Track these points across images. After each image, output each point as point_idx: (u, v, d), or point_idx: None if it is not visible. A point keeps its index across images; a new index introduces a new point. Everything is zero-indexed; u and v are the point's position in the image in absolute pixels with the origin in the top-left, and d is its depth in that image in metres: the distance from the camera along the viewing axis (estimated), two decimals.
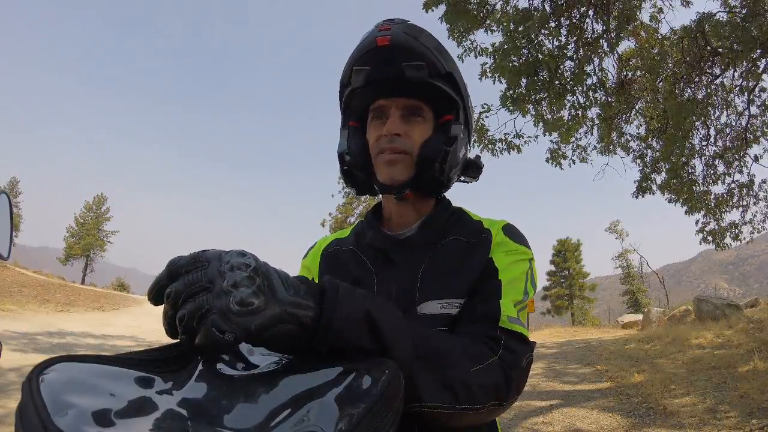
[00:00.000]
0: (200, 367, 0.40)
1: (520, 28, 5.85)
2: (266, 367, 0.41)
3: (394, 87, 0.71)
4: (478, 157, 0.81)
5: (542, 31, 6.05)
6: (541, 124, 6.87)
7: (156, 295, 0.39)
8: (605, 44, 6.42)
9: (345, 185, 0.79)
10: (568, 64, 6.42)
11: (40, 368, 0.31)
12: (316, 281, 0.51)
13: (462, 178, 0.79)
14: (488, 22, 6.50)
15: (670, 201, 7.92)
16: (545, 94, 6.37)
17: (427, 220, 0.75)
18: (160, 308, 0.40)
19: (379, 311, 0.45)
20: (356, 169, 0.76)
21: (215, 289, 0.36)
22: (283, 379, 0.38)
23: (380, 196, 0.79)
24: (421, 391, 0.47)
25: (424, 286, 0.68)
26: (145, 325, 10.87)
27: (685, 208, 7.83)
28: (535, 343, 0.64)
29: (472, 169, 0.80)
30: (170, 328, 0.38)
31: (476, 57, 6.64)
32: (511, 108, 6.39)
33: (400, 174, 0.71)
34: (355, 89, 0.73)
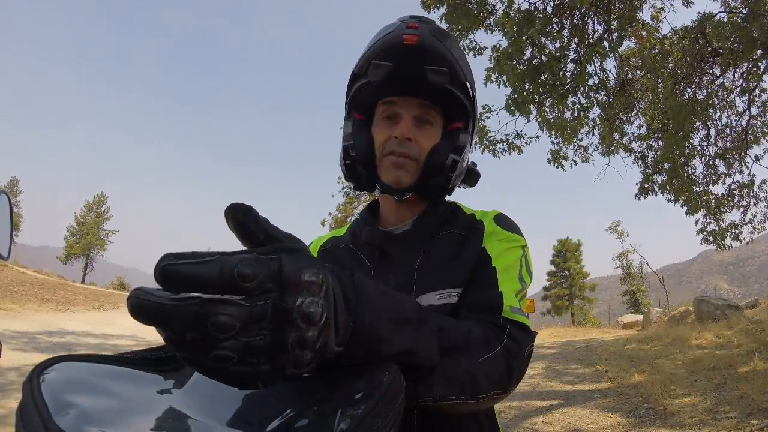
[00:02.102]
0: None
1: (523, 31, 5.84)
2: None
3: (410, 86, 0.71)
4: (474, 164, 0.81)
5: (544, 34, 6.05)
6: (545, 126, 6.88)
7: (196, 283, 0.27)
8: (606, 45, 6.42)
9: (345, 178, 0.79)
10: (570, 65, 6.42)
11: (41, 368, 0.31)
12: None
13: (462, 185, 0.81)
14: (488, 22, 6.50)
15: (670, 201, 7.93)
16: (548, 96, 6.38)
17: (421, 215, 0.76)
18: None
19: (415, 341, 0.40)
20: (360, 165, 0.76)
21: (278, 340, 0.28)
22: None
23: (377, 193, 0.79)
24: (431, 386, 0.47)
25: (421, 279, 0.68)
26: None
27: (685, 208, 7.84)
28: (536, 333, 0.64)
29: (471, 177, 0.81)
30: (185, 343, 0.27)
31: (475, 56, 6.66)
32: (515, 112, 6.40)
33: (405, 179, 0.72)
34: (370, 83, 0.71)
